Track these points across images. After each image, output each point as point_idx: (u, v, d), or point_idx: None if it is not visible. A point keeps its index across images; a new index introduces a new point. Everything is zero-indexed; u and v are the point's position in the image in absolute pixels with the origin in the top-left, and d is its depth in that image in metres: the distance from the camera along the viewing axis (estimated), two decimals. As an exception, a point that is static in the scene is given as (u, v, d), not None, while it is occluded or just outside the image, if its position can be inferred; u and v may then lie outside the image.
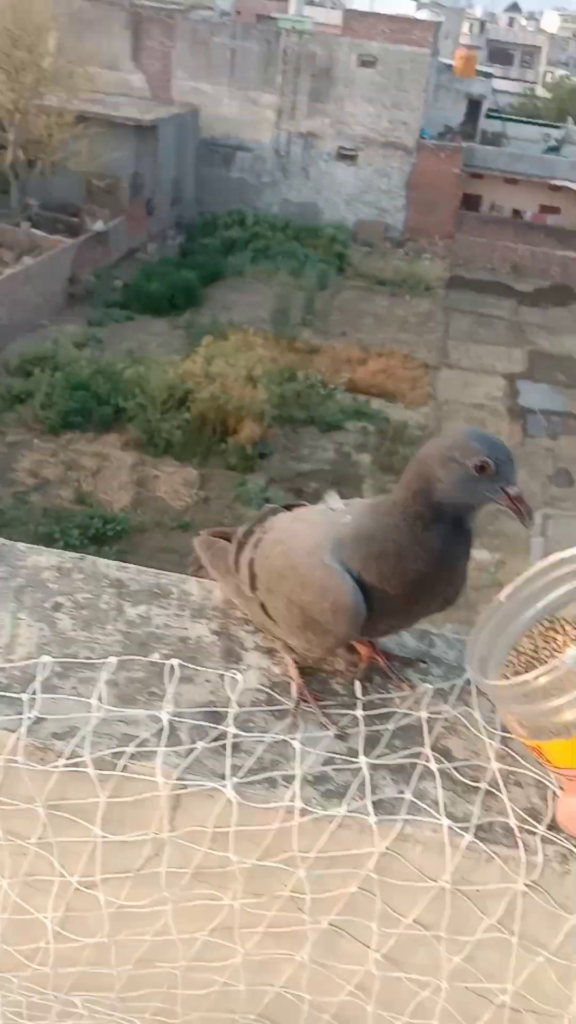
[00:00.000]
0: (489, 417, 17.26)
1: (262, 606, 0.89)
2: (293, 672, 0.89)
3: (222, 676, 0.88)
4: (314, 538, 0.84)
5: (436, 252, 25.67)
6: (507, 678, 0.71)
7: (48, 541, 12.61)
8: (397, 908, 0.78)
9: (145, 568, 1.03)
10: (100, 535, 13.34)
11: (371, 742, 0.83)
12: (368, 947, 0.80)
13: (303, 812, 0.75)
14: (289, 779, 0.78)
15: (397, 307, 22.04)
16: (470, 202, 26.48)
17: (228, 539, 0.99)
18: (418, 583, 0.80)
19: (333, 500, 0.91)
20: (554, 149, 30.12)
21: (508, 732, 0.85)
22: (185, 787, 0.77)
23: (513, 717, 0.68)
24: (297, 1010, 0.86)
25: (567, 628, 0.74)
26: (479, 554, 12.12)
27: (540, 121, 32.97)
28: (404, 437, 15.68)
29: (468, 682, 0.91)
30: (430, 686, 0.90)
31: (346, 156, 26.61)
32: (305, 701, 0.86)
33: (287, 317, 20.17)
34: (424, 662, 0.95)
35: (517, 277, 24.98)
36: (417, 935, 0.79)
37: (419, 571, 0.79)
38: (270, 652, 0.93)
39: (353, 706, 0.87)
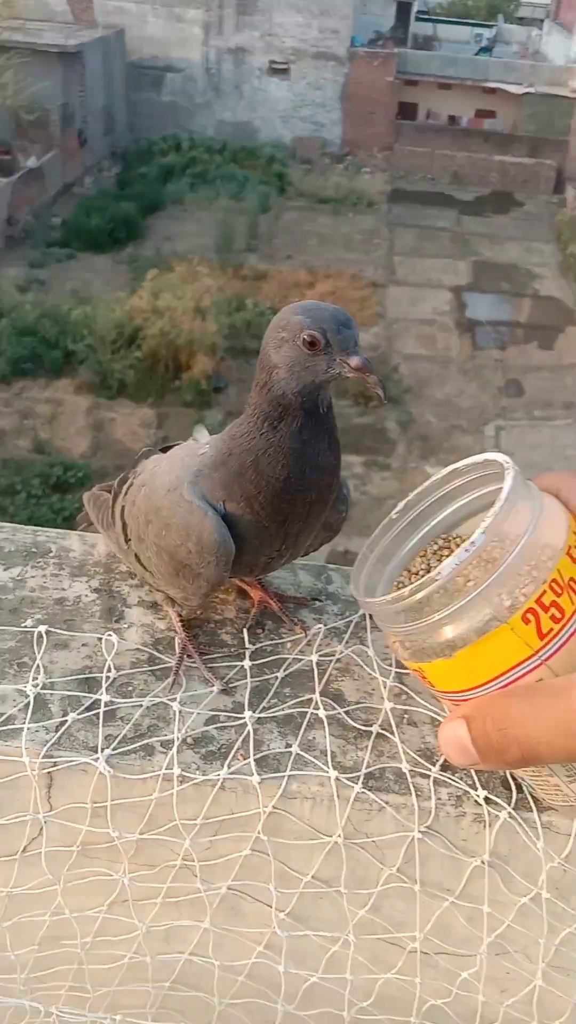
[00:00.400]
0: (438, 332, 17.05)
1: (137, 557, 0.83)
2: (176, 625, 0.83)
3: (100, 639, 0.82)
4: (173, 474, 0.77)
5: (376, 165, 24.98)
6: None
7: (10, 493, 12.44)
8: (294, 867, 0.74)
9: (21, 526, 0.96)
10: (62, 483, 13.14)
11: (258, 694, 0.78)
12: (270, 907, 0.76)
13: (182, 779, 0.70)
14: (168, 744, 0.73)
15: (341, 225, 21.51)
16: (406, 111, 25.66)
17: None
18: (284, 493, 0.71)
19: (200, 433, 0.84)
20: (486, 50, 29.25)
21: (403, 668, 0.80)
22: (56, 764, 0.72)
23: (396, 639, 0.63)
24: (209, 974, 0.83)
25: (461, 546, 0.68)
26: (436, 471, 12.09)
27: (470, 21, 31.89)
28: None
29: (364, 617, 0.86)
30: (322, 626, 0.84)
31: (278, 70, 25.64)
32: (188, 656, 0.81)
33: (231, 243, 19.63)
34: (319, 600, 0.89)
35: (458, 186, 24.42)
36: (319, 892, 0.75)
37: (280, 478, 0.70)
38: (154, 607, 0.87)
39: (242, 656, 0.82)
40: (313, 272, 18.57)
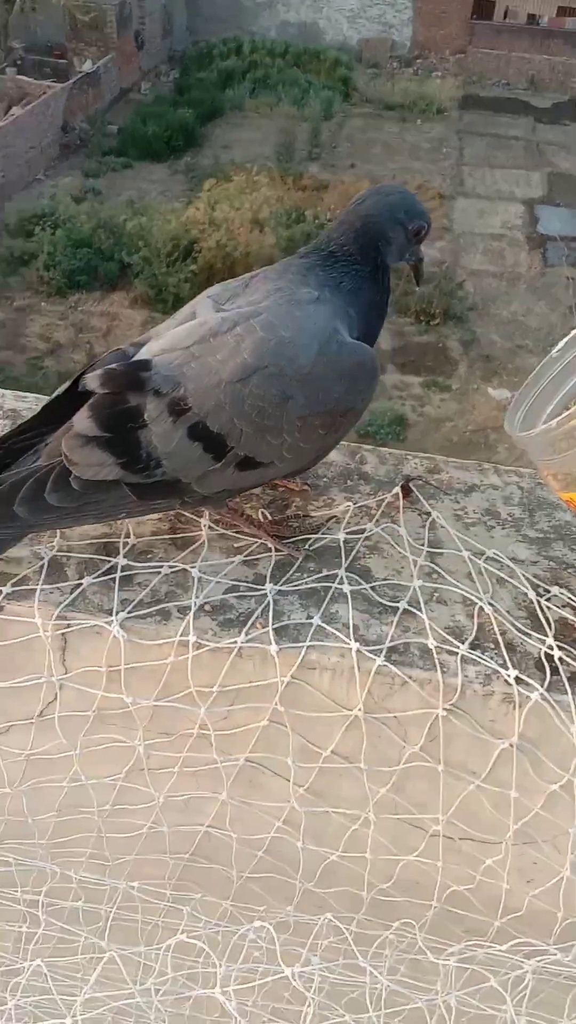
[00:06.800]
0: (508, 247, 16.46)
1: (246, 459, 0.72)
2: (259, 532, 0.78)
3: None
4: (310, 329, 0.73)
5: (447, 69, 23.79)
6: None
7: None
8: (313, 740, 0.72)
9: (45, 397, 0.92)
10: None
11: (281, 567, 0.75)
12: (289, 782, 0.75)
13: (197, 645, 0.68)
14: (185, 610, 0.70)
15: (408, 133, 20.69)
16: (482, 9, 24.21)
17: None
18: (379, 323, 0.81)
19: (207, 307, 0.78)
20: None
21: (436, 548, 0.76)
22: (69, 626, 0.70)
23: (548, 471, 0.64)
24: (228, 847, 0.82)
25: None
26: (498, 393, 11.82)
27: None
28: (420, 275, 15.09)
29: (397, 497, 0.81)
30: (351, 504, 0.80)
31: (347, -35, 24.41)
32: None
33: (292, 152, 19.05)
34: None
35: (534, 92, 23.15)
36: (338, 767, 0.73)
37: (381, 314, 0.81)
38: (179, 478, 0.83)
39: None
40: (377, 182, 17.97)
